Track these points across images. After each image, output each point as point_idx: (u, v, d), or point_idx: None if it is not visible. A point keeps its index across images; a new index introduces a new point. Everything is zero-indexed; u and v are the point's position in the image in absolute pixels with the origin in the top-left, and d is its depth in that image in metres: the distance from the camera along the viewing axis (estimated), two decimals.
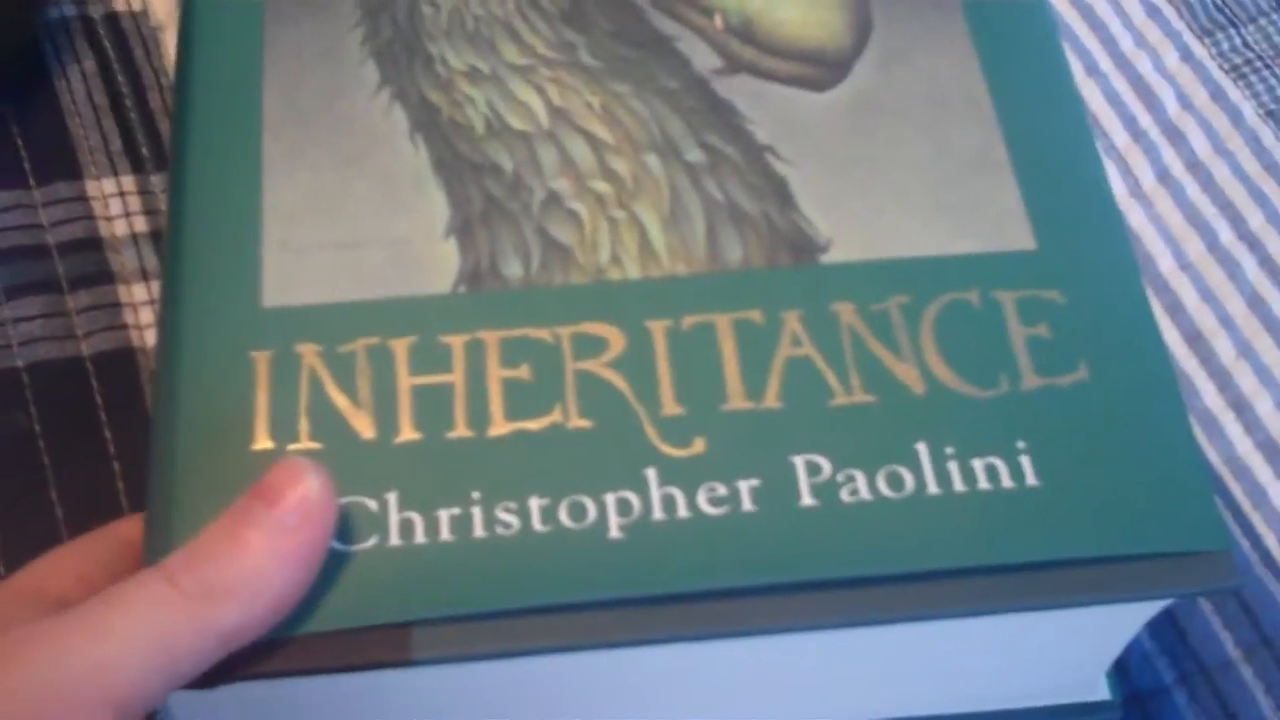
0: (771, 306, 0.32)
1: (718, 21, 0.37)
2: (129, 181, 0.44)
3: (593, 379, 0.31)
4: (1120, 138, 0.47)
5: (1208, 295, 0.44)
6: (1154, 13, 0.49)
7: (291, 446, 0.30)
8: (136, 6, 0.47)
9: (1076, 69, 0.48)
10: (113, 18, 0.47)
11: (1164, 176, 0.46)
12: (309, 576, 0.28)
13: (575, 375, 0.31)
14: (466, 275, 0.33)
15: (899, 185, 0.34)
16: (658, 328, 0.32)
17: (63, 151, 0.45)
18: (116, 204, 0.44)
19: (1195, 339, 0.43)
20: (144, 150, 0.45)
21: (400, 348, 0.32)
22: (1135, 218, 0.45)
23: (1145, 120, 0.47)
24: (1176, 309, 0.44)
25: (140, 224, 0.43)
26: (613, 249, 0.33)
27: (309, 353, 0.31)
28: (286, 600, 0.28)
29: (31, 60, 0.46)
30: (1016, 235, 0.34)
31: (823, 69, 0.36)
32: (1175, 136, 0.47)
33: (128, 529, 0.33)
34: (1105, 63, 0.48)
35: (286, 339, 0.32)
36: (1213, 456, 0.41)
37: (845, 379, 0.32)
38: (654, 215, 0.34)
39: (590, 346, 0.32)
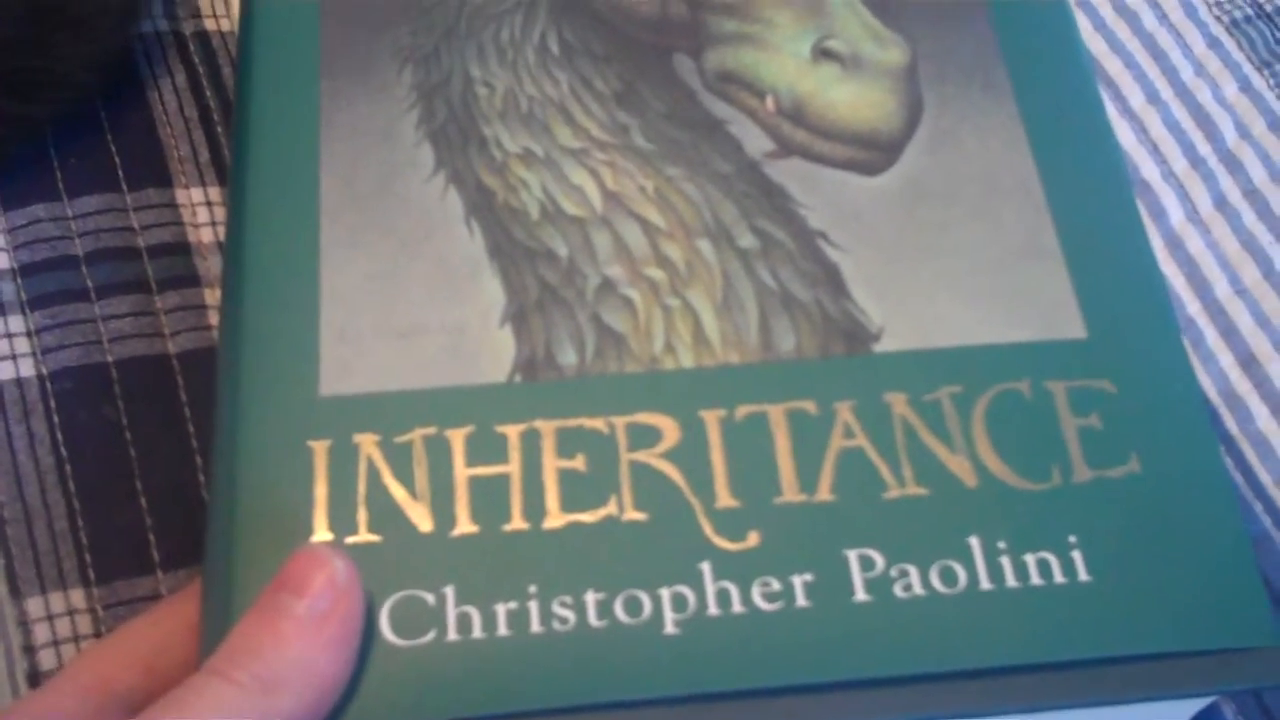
0: (824, 397, 0.33)
1: (769, 104, 0.37)
2: (215, 193, 0.45)
3: (647, 470, 0.32)
4: (1179, 164, 0.47)
5: (1262, 320, 0.45)
6: (1214, 44, 0.50)
7: (350, 539, 0.31)
8: (225, 27, 0.48)
9: (1138, 97, 0.48)
10: (203, 35, 0.48)
11: (1221, 203, 0.47)
12: (351, 657, 0.29)
13: (630, 466, 0.32)
14: (522, 364, 0.33)
15: (950, 272, 0.35)
16: (711, 418, 0.32)
17: (154, 159, 0.46)
18: (204, 212, 0.45)
19: (1249, 363, 0.44)
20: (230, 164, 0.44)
21: (457, 438, 0.32)
22: (1193, 244, 0.46)
23: (1204, 148, 0.48)
24: (1231, 333, 0.45)
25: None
26: (667, 337, 0.34)
27: (367, 442, 0.32)
28: (334, 683, 0.28)
29: (125, 70, 0.47)
30: (1067, 323, 0.34)
31: (875, 152, 0.37)
32: (1233, 165, 0.47)
33: (189, 611, 0.33)
34: (1166, 91, 0.49)
35: (344, 428, 0.32)
36: (1264, 477, 0.42)
37: (898, 471, 0.32)
38: (707, 302, 0.34)
39: (645, 437, 0.32)
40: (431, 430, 0.32)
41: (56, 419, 0.40)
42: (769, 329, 0.34)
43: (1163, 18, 0.50)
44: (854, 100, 0.37)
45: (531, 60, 0.38)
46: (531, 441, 0.32)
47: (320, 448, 0.32)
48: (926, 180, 0.36)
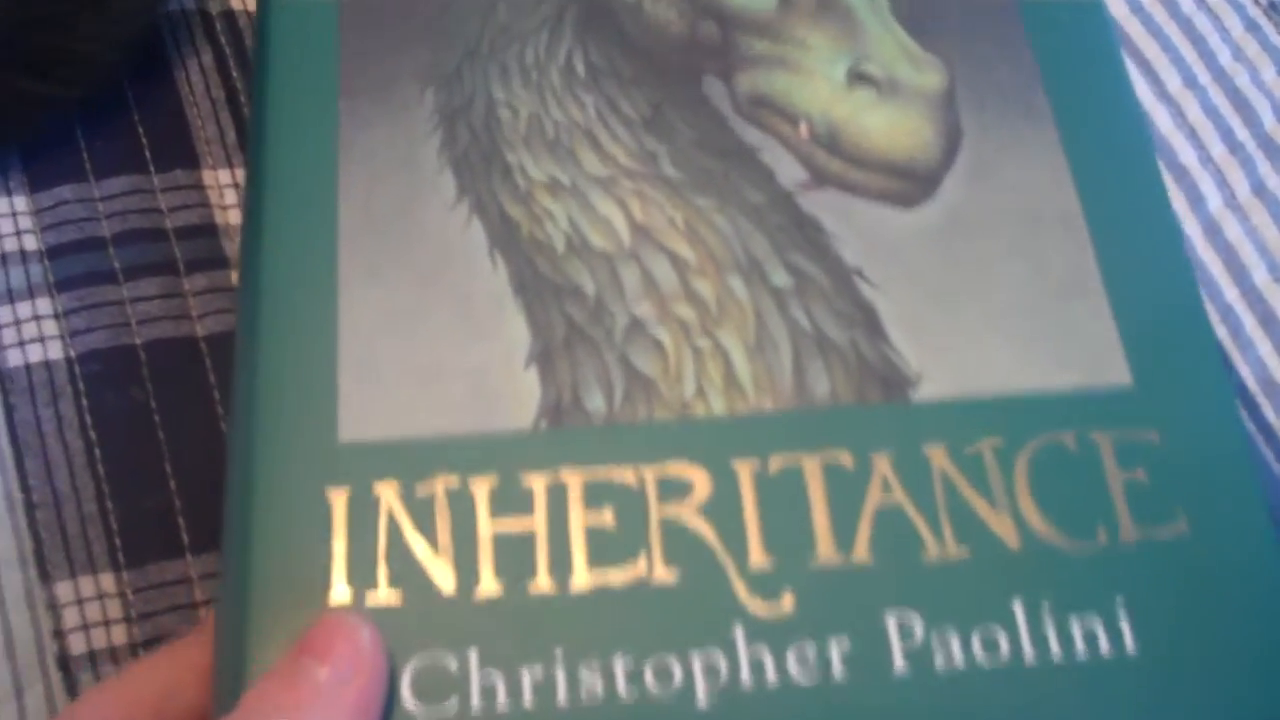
0: (861, 447, 0.32)
1: (803, 130, 0.36)
2: (242, 174, 0.44)
3: (678, 527, 0.31)
4: (1217, 149, 0.47)
5: None
6: (1253, 28, 0.49)
7: (370, 596, 0.30)
8: (251, 6, 0.47)
9: (1175, 81, 0.47)
10: (229, 15, 0.47)
11: (1259, 189, 0.46)
12: None
13: (660, 522, 0.31)
14: (548, 409, 0.32)
15: (990, 312, 0.33)
16: (744, 470, 0.31)
17: (181, 140, 0.45)
18: (231, 194, 0.44)
19: None
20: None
21: (481, 490, 0.31)
22: (1231, 230, 0.45)
23: (1242, 133, 0.47)
24: (1270, 320, 0.44)
25: None
26: (697, 381, 0.32)
27: (387, 493, 0.31)
28: None
29: (151, 50, 0.46)
30: (1112, 368, 0.33)
31: (912, 183, 0.35)
32: (1271, 149, 0.46)
33: (200, 656, 0.32)
34: (1204, 76, 0.48)
35: (364, 477, 0.31)
36: None
37: (938, 530, 0.31)
38: (739, 344, 0.33)
39: (675, 490, 0.31)
40: (454, 481, 0.31)
41: (85, 402, 0.40)
42: (803, 372, 0.33)
43: (1200, 1, 0.49)
44: (890, 128, 0.36)
45: (557, 82, 0.36)
46: (558, 495, 0.31)
47: (339, 498, 0.31)
48: (966, 213, 0.35)
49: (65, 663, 0.36)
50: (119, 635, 0.37)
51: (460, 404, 0.32)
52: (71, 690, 0.36)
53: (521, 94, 0.36)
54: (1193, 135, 0.47)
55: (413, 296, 0.33)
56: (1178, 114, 0.47)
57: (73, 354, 0.40)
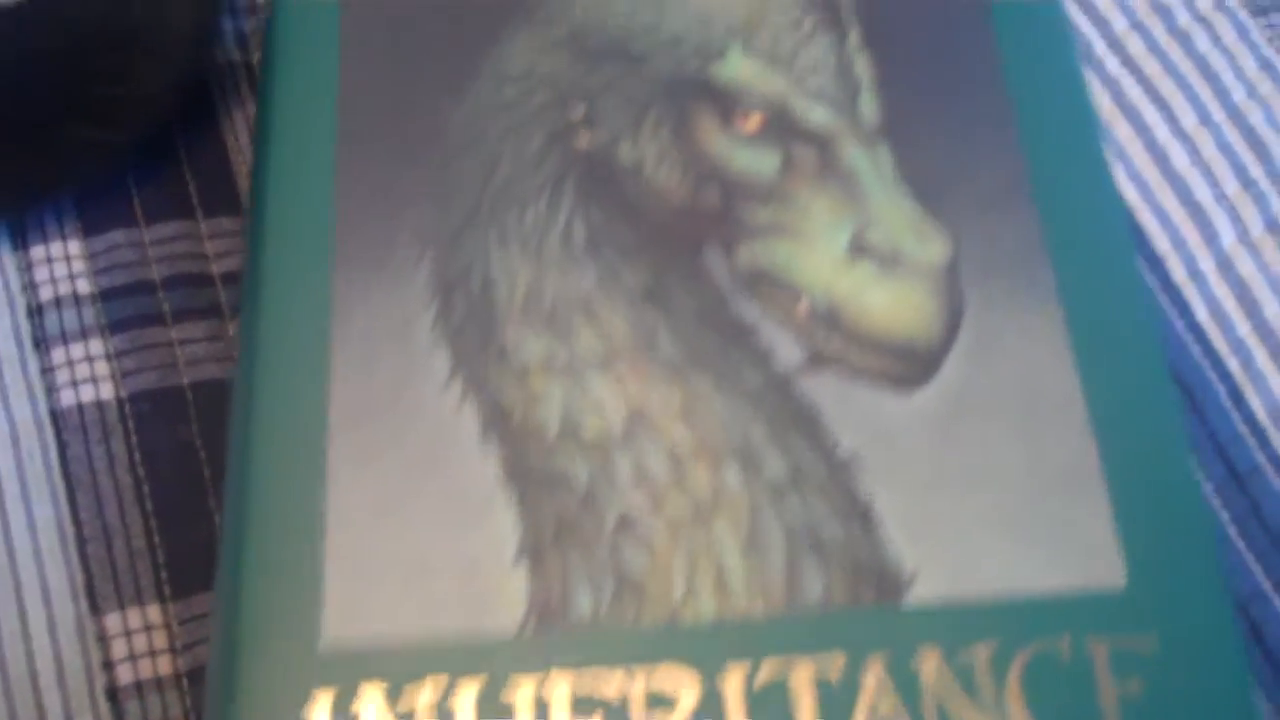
0: (853, 651, 0.31)
1: (803, 306, 0.35)
2: None
3: None
4: (1230, 186, 0.47)
5: None
6: (1266, 66, 0.49)
7: None
8: None
9: (1190, 118, 0.47)
10: None
11: (1272, 225, 0.46)
12: None
13: None
14: (536, 609, 0.32)
15: (987, 505, 0.33)
16: (733, 681, 0.31)
17: (227, 188, 0.46)
18: None
19: None
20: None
21: (467, 696, 0.31)
22: (1244, 266, 0.45)
23: (1256, 170, 0.47)
24: None
25: None
26: (688, 582, 0.32)
27: (373, 695, 0.31)
28: None
29: (200, 100, 0.48)
30: (1108, 568, 0.33)
31: (912, 364, 0.35)
32: None
33: None
34: (1218, 114, 0.48)
35: (349, 679, 0.31)
36: None
37: None
38: (732, 540, 0.33)
39: (661, 703, 0.31)
40: (440, 686, 0.31)
41: (135, 440, 0.41)
42: (796, 572, 0.32)
43: (1215, 40, 0.49)
44: (892, 304, 0.35)
45: (556, 249, 0.36)
46: (544, 711, 0.31)
47: (323, 700, 0.30)
48: (965, 397, 0.34)
49: (114, 694, 0.37)
50: (165, 665, 0.38)
51: (448, 601, 0.32)
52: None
53: (520, 262, 0.36)
54: (1208, 172, 0.47)
55: (402, 485, 0.33)
56: (1193, 150, 0.47)
57: (123, 394, 0.41)
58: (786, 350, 0.35)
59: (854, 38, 0.39)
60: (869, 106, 0.38)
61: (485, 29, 0.39)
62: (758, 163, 0.37)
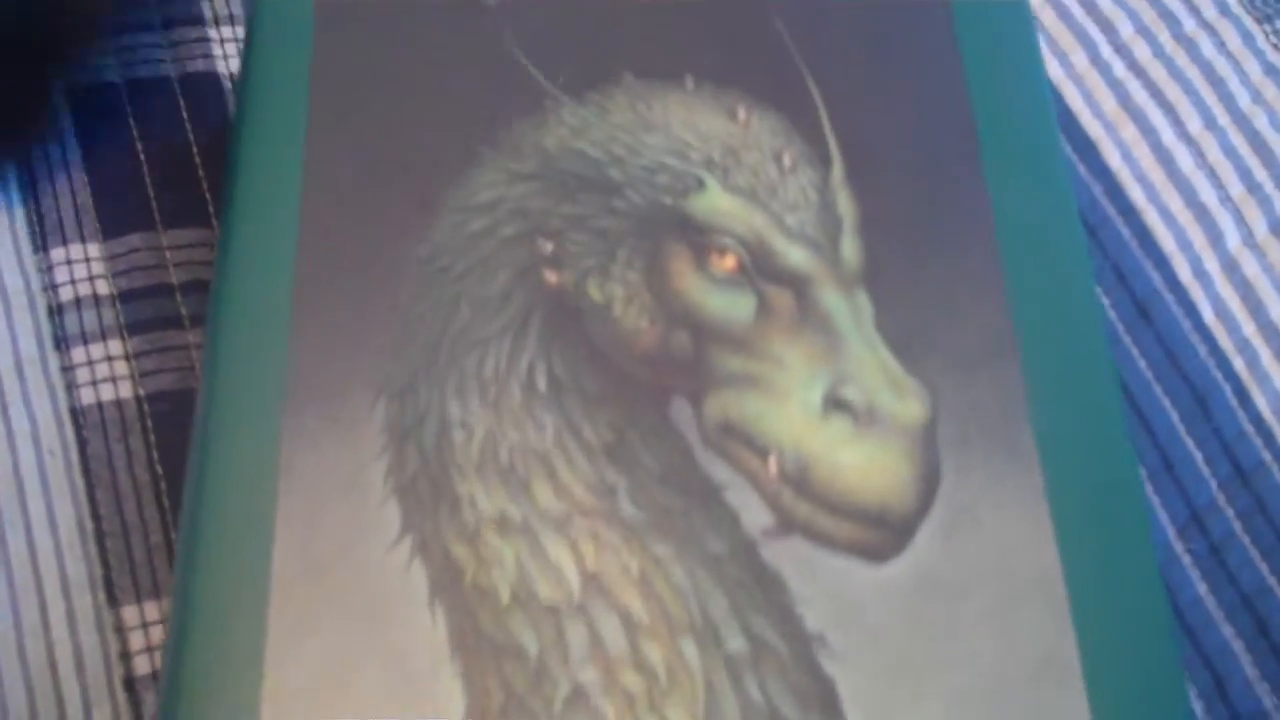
0: None
1: (772, 465, 0.34)
2: None
3: None
4: (1236, 189, 0.48)
5: None
6: (1271, 71, 0.50)
7: None
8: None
9: (1195, 123, 0.48)
10: None
11: (1277, 228, 0.47)
12: None
13: None
14: None
15: (955, 694, 0.32)
16: None
17: None
18: None
19: None
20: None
21: None
22: (1249, 268, 0.46)
23: (1261, 174, 0.48)
24: None
25: None
26: None
27: None
28: None
29: (216, 106, 0.49)
30: None
31: (884, 533, 0.33)
32: None
33: None
34: (1223, 118, 0.49)
35: None
36: None
37: None
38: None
39: None
40: None
41: (153, 438, 0.42)
42: None
43: (1220, 46, 0.51)
44: (865, 465, 0.34)
45: (516, 398, 0.34)
46: None
47: None
48: (939, 571, 0.33)
49: (131, 684, 0.38)
50: None
51: None
52: (136, 710, 0.38)
53: (478, 411, 0.34)
54: (1212, 175, 0.48)
55: (345, 652, 0.32)
56: (1198, 154, 0.48)
57: (142, 393, 0.43)
58: (753, 513, 0.34)
59: (837, 173, 0.38)
60: (850, 248, 0.37)
61: (452, 158, 0.37)
62: (732, 306, 0.36)
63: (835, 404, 0.35)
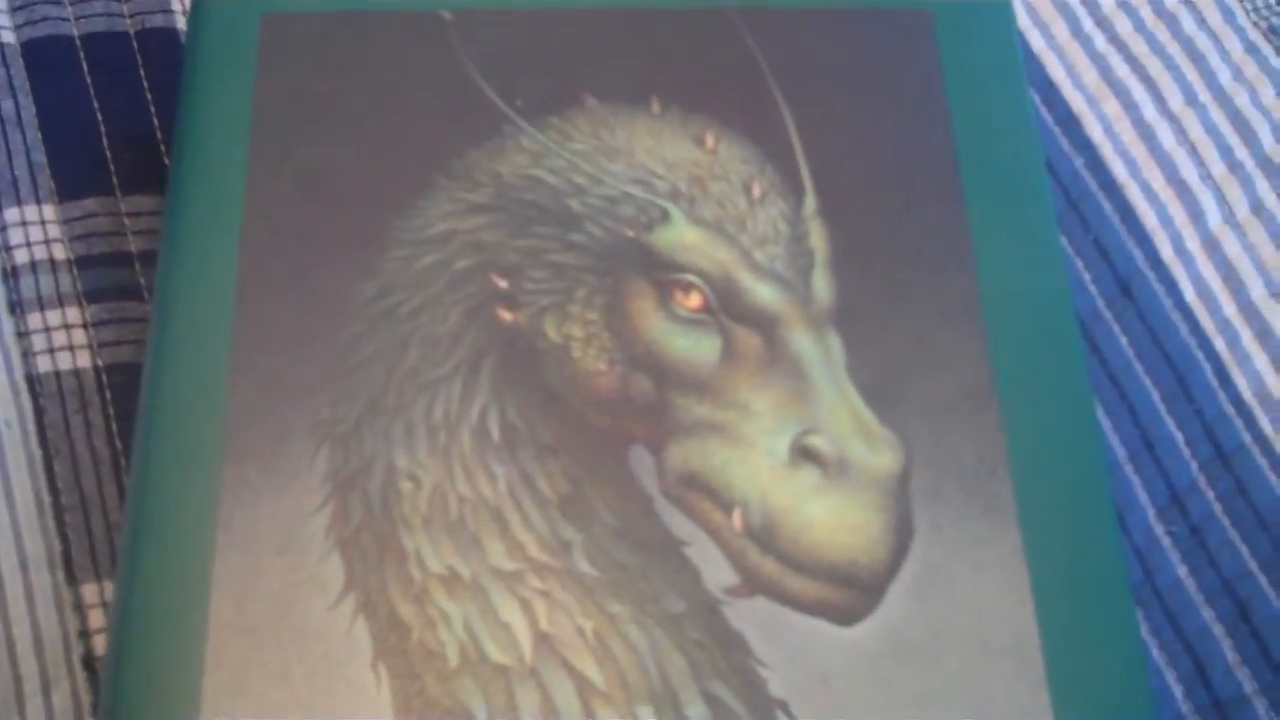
0: None
1: (736, 518, 0.32)
2: None
3: None
4: (1217, 168, 0.47)
5: None
6: (1252, 50, 0.50)
7: None
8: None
9: (1176, 99, 0.48)
10: None
11: (1258, 208, 0.47)
12: None
13: None
14: None
15: None
16: None
17: None
18: None
19: None
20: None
21: None
22: (1230, 247, 0.46)
23: (1241, 152, 0.47)
24: (1266, 334, 0.44)
25: None
26: None
27: None
28: None
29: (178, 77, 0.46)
30: None
31: (852, 593, 0.32)
32: (1270, 169, 0.47)
33: None
34: (1204, 94, 0.49)
35: None
36: None
37: None
38: None
39: None
40: None
41: (112, 410, 0.40)
42: None
43: (1201, 22, 0.50)
44: (834, 520, 0.32)
45: (467, 447, 0.32)
46: None
47: None
48: (909, 634, 0.31)
49: (91, 663, 0.37)
50: None
51: None
52: (96, 689, 0.37)
53: (426, 460, 0.32)
54: (1193, 152, 0.47)
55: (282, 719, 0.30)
56: (1179, 131, 0.48)
57: (100, 364, 0.41)
58: (715, 571, 0.32)
59: (810, 204, 0.36)
60: (822, 285, 0.35)
61: (402, 187, 0.35)
62: (696, 348, 0.34)
63: (804, 454, 0.33)
